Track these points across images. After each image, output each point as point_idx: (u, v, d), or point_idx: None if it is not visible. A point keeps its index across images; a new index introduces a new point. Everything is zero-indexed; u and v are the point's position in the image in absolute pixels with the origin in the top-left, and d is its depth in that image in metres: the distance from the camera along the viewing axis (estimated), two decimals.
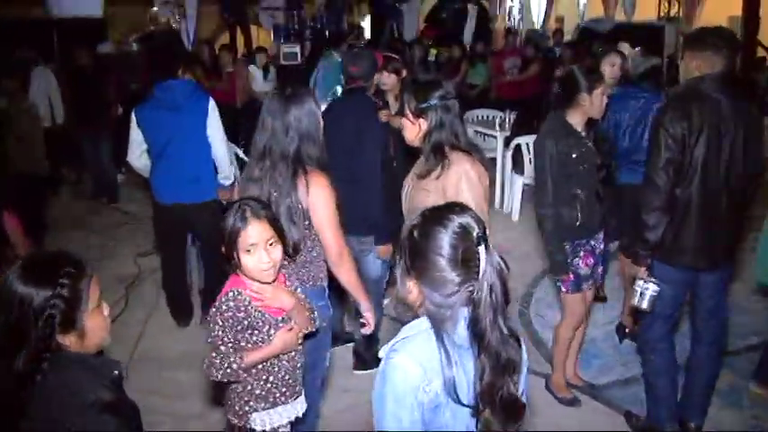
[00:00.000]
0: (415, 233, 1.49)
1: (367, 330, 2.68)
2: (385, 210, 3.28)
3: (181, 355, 3.94)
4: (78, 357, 1.50)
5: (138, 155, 4.04)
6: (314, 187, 2.36)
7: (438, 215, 1.49)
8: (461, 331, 1.46)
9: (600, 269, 3.40)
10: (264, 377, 2.14)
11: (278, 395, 2.17)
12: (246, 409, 2.15)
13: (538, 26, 14.43)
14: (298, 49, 9.20)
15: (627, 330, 4.01)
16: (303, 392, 2.28)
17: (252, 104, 7.77)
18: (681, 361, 3.17)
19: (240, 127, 6.60)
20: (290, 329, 2.13)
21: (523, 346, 1.54)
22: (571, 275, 3.20)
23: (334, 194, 2.42)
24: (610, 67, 4.16)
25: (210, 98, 3.98)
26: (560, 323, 3.44)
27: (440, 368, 1.44)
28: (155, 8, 11.19)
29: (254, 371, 2.12)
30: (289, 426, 2.25)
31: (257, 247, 2.01)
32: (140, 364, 3.82)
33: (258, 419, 2.16)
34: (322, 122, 2.47)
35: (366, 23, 15.23)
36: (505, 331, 1.46)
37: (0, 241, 3.28)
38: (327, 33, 10.68)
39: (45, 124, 6.13)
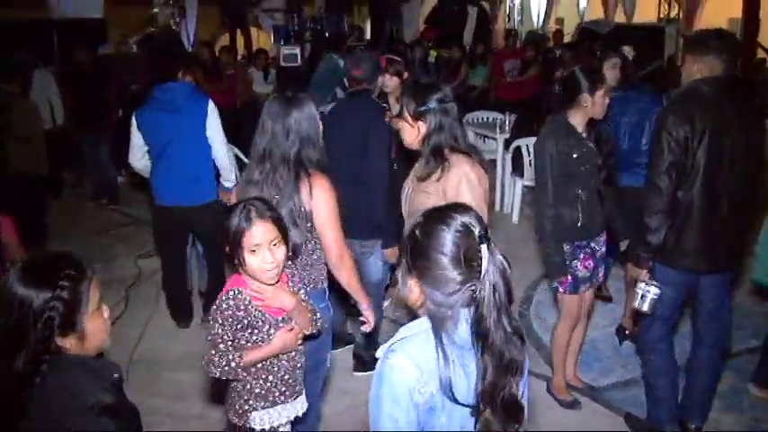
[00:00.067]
0: (418, 232, 1.49)
1: (366, 328, 2.69)
2: (388, 212, 3.28)
3: (181, 356, 3.94)
4: (78, 360, 1.49)
5: (139, 157, 4.04)
6: (317, 189, 2.37)
7: (441, 214, 1.49)
8: (462, 332, 1.46)
9: (601, 271, 3.39)
10: (264, 376, 2.15)
11: (277, 394, 2.18)
12: (246, 407, 2.16)
13: (538, 27, 14.44)
14: (298, 50, 9.18)
15: (627, 332, 4.01)
16: (304, 392, 2.29)
17: (253, 105, 7.78)
18: (682, 363, 3.17)
19: (241, 128, 6.60)
20: (291, 330, 2.14)
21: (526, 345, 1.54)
22: (569, 277, 3.20)
23: (336, 196, 2.43)
24: (611, 69, 4.17)
25: (210, 100, 3.98)
26: (557, 324, 3.45)
27: (436, 370, 1.44)
28: (155, 9, 11.19)
29: (253, 370, 2.13)
30: (289, 425, 2.26)
31: (261, 248, 2.01)
32: (140, 365, 3.82)
33: (258, 418, 2.17)
34: (321, 125, 2.47)
35: (366, 25, 15.23)
36: (509, 330, 1.46)
37: None
38: (327, 35, 10.68)
39: (45, 126, 6.13)
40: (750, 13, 10.22)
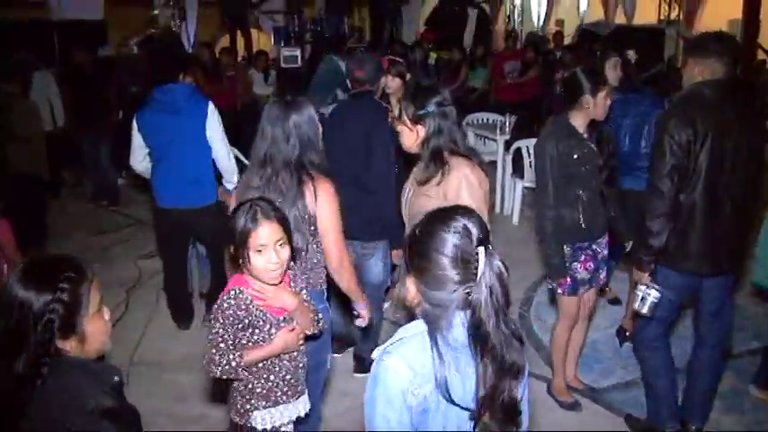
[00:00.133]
0: (418, 232, 1.51)
1: (361, 323, 2.70)
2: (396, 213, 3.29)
3: (182, 357, 3.94)
4: (79, 362, 1.49)
5: (140, 159, 4.04)
6: (321, 194, 2.38)
7: (443, 215, 1.50)
8: (458, 334, 1.46)
9: (603, 273, 3.39)
10: (265, 376, 2.15)
11: (279, 394, 2.18)
12: (248, 407, 2.17)
13: (538, 29, 14.43)
14: (298, 52, 9.19)
15: (627, 334, 4.01)
16: (306, 392, 2.29)
17: (253, 107, 7.77)
18: (683, 364, 3.17)
19: (241, 130, 6.60)
20: (292, 330, 2.14)
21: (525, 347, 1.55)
22: (568, 279, 3.19)
23: (339, 200, 2.44)
24: (612, 69, 4.16)
25: (210, 101, 3.98)
26: (556, 324, 3.45)
27: (431, 373, 1.44)
28: (155, 11, 11.18)
29: (254, 369, 2.13)
30: (291, 425, 2.26)
31: (267, 248, 2.02)
32: (141, 367, 3.81)
33: (259, 418, 2.17)
34: (321, 128, 2.47)
35: (366, 26, 15.23)
36: (508, 333, 1.46)
37: None
38: (328, 36, 10.68)
39: (45, 127, 6.13)
40: (750, 15, 10.23)
